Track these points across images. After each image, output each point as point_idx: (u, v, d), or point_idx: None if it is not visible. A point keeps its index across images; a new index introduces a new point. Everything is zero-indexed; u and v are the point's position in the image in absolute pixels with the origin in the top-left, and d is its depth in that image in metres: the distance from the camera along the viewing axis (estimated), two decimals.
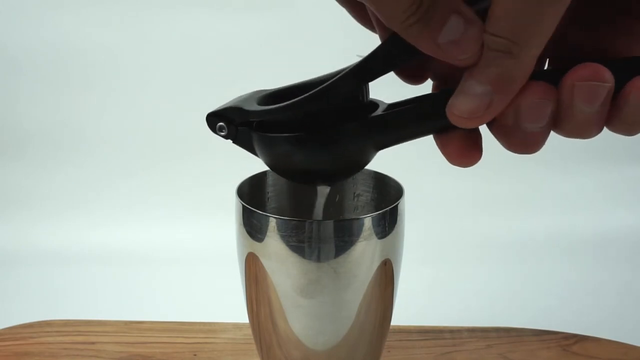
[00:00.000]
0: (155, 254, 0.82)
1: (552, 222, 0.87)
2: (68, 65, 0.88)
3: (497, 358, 0.57)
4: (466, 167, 0.33)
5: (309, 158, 0.34)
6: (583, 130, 0.31)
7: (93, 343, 0.58)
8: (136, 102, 0.89)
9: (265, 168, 0.53)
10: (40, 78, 0.88)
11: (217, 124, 0.37)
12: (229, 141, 0.38)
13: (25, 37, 0.88)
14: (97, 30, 0.88)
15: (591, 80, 0.29)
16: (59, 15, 0.87)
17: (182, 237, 0.84)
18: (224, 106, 0.37)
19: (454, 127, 0.31)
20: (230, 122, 0.37)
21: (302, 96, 0.33)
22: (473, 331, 0.60)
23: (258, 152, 0.36)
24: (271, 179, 0.53)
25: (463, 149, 0.33)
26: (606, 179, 0.89)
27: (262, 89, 0.39)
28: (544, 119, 0.30)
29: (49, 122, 0.89)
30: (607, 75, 0.29)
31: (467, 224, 0.87)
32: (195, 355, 0.57)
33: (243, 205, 0.46)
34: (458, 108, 0.30)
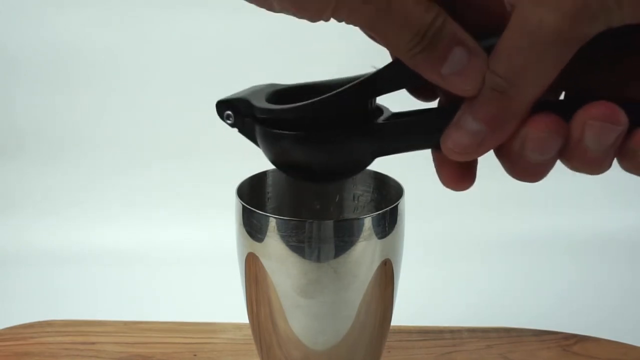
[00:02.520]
0: (155, 254, 0.82)
1: (552, 222, 0.87)
2: (68, 65, 0.88)
3: (497, 358, 0.57)
4: (456, 191, 0.33)
5: (307, 157, 0.35)
6: (591, 167, 0.30)
7: (93, 343, 0.58)
8: (136, 102, 0.89)
9: (265, 168, 0.53)
10: (39, 78, 0.88)
11: (224, 112, 0.37)
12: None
13: (24, 36, 0.88)
14: (97, 30, 0.88)
15: (604, 121, 0.28)
16: (58, 15, 0.87)
17: (182, 237, 0.84)
18: (234, 96, 0.38)
19: None
20: (238, 112, 0.37)
21: (308, 101, 0.33)
22: (473, 331, 0.60)
23: (260, 145, 0.37)
24: (271, 179, 0.53)
25: (457, 173, 0.33)
26: (606, 179, 0.89)
27: (276, 83, 0.39)
28: (550, 152, 0.29)
29: (50, 121, 0.89)
30: (622, 117, 0.28)
31: (467, 224, 0.87)
32: (195, 355, 0.57)
33: (243, 205, 0.46)
34: (451, 141, 0.30)
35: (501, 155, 0.31)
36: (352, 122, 0.34)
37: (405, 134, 0.33)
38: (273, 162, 0.37)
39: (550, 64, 0.28)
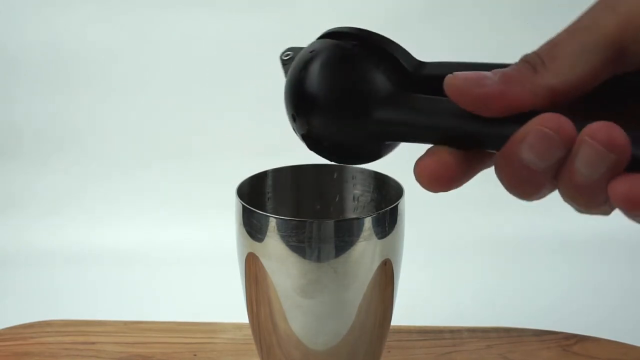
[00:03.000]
0: (155, 254, 0.82)
1: (552, 222, 0.87)
2: (68, 65, 0.88)
3: (497, 358, 0.57)
4: (431, 190, 0.32)
5: (330, 75, 0.34)
6: (580, 196, 0.28)
7: (93, 343, 0.58)
8: (136, 102, 0.89)
9: (265, 168, 0.53)
10: (39, 78, 0.88)
11: (286, 52, 0.39)
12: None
13: (23, 36, 0.88)
14: (97, 30, 0.88)
15: (600, 143, 0.26)
16: (58, 15, 0.87)
17: (182, 237, 0.84)
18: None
19: (452, 143, 0.31)
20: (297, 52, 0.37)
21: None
22: (473, 331, 0.60)
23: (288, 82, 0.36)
24: (271, 179, 0.53)
25: (440, 168, 0.31)
26: None
27: None
28: (548, 157, 0.28)
29: (50, 121, 0.89)
30: (622, 146, 0.26)
31: (467, 224, 0.87)
32: (195, 355, 0.57)
33: (243, 205, 0.46)
34: (459, 75, 0.30)
35: (500, 159, 0.30)
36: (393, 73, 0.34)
37: (420, 107, 0.32)
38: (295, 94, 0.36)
39: (586, 62, 0.29)
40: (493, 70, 0.30)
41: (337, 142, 0.35)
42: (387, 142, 0.35)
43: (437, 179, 0.31)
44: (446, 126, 0.31)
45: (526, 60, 0.30)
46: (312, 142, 0.36)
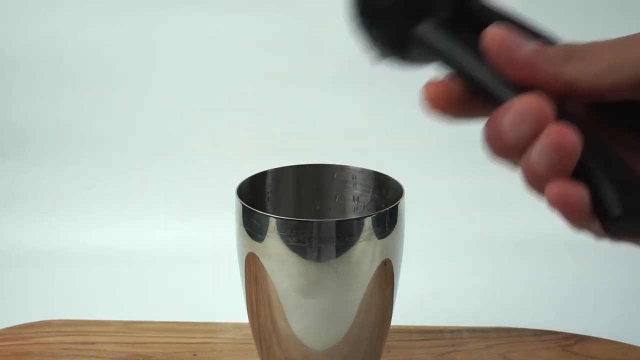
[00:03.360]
0: (156, 254, 0.82)
1: (552, 222, 0.87)
2: (67, 65, 0.88)
3: (497, 358, 0.57)
4: (430, 109, 0.33)
5: None
6: (528, 178, 0.30)
7: (93, 343, 0.58)
8: (136, 102, 0.89)
9: (265, 168, 0.53)
10: (38, 77, 0.88)
11: None
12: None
13: (23, 36, 0.88)
14: (96, 30, 0.88)
15: (550, 140, 0.28)
16: (58, 14, 0.87)
17: (182, 237, 0.84)
18: None
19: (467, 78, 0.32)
20: None
21: None
22: (473, 331, 0.60)
23: None
24: (271, 179, 0.53)
25: (444, 91, 0.32)
26: None
27: None
28: (519, 131, 0.29)
29: (49, 121, 0.89)
30: (568, 151, 0.28)
31: (467, 224, 0.86)
32: (195, 355, 0.57)
33: (243, 205, 0.46)
34: (502, 33, 0.30)
35: (489, 124, 0.31)
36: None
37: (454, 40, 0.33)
38: None
39: (613, 77, 0.29)
40: (532, 42, 0.31)
41: (381, 29, 0.35)
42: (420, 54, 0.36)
43: (437, 99, 0.33)
44: (468, 63, 0.32)
45: (566, 46, 0.31)
46: (363, 18, 0.36)
